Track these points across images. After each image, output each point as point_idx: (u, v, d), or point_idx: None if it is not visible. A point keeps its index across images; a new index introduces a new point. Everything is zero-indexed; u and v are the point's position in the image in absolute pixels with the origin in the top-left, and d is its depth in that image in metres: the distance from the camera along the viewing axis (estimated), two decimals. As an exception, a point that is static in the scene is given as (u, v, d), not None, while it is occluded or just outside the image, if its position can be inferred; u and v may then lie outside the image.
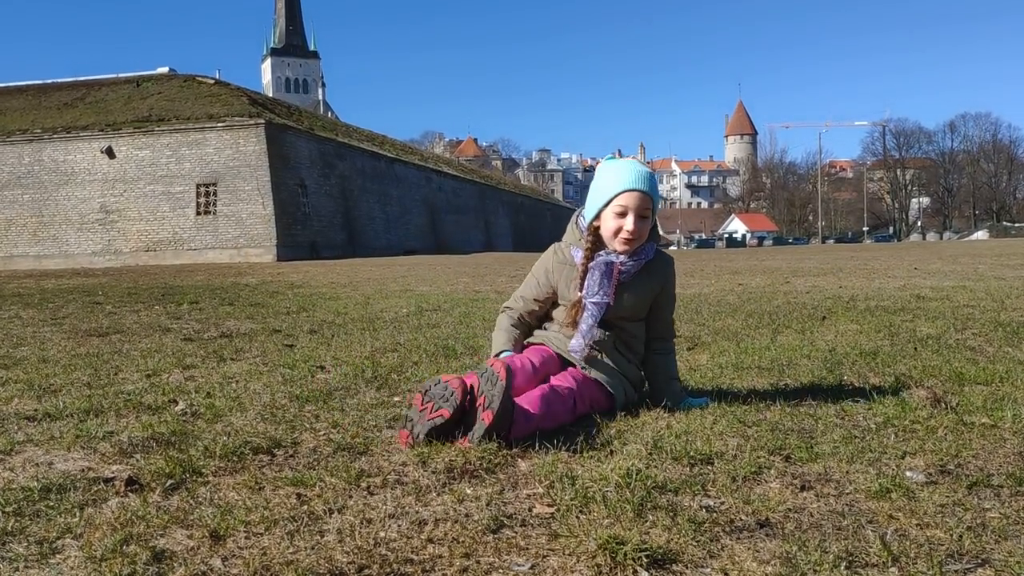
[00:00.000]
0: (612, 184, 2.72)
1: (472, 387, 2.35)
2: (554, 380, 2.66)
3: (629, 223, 2.69)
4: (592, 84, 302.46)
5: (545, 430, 2.42)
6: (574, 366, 2.77)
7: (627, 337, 2.85)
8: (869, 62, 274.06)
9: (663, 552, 1.55)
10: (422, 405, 2.35)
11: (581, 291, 2.76)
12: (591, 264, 2.74)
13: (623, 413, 2.68)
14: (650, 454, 2.20)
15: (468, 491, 1.94)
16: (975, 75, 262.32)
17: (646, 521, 1.72)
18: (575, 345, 2.75)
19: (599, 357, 2.78)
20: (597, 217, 2.76)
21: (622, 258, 2.75)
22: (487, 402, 2.29)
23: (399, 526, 1.72)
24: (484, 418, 2.28)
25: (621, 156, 2.92)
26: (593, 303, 2.73)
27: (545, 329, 2.92)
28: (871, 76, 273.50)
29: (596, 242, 2.77)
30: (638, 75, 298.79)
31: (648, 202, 2.71)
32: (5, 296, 10.73)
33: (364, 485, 2.01)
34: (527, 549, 1.60)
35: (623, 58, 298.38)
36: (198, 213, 34.36)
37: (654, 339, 2.89)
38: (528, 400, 2.47)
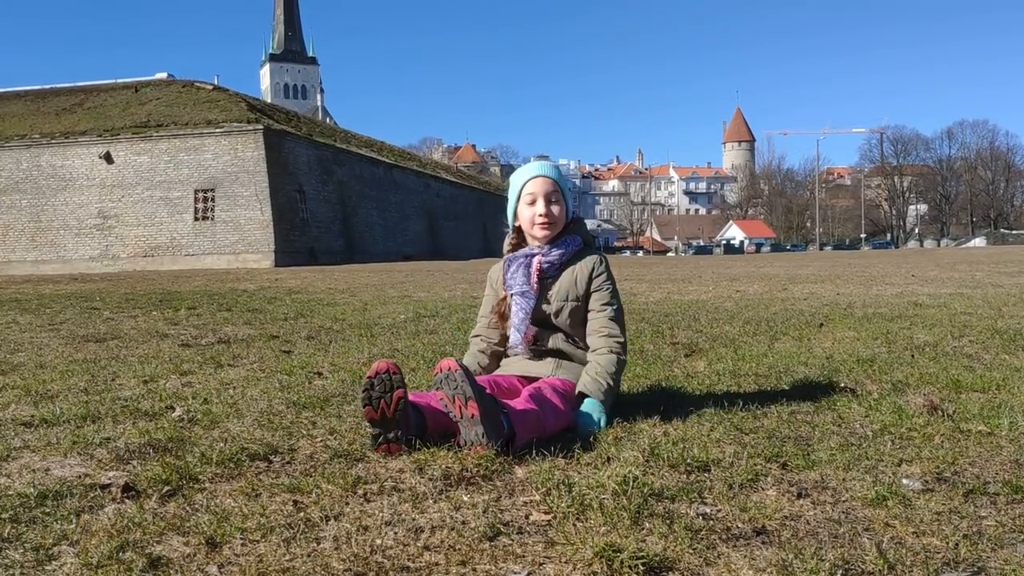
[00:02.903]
0: (519, 179, 2.91)
1: (443, 400, 2.35)
2: (535, 384, 2.67)
3: (540, 207, 2.84)
4: (591, 90, 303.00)
5: (548, 431, 2.43)
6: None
7: (574, 336, 2.87)
8: (867, 69, 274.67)
9: (659, 560, 1.55)
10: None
11: (504, 286, 2.90)
12: (510, 257, 2.90)
13: (619, 419, 2.68)
14: (647, 461, 2.20)
15: (465, 498, 1.94)
16: (973, 83, 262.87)
17: (643, 528, 1.72)
18: (514, 340, 2.86)
19: (545, 346, 2.84)
20: (516, 217, 2.93)
21: (544, 249, 2.86)
22: (463, 398, 2.28)
23: (395, 533, 1.72)
24: (471, 413, 2.27)
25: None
26: (517, 294, 2.84)
27: (507, 356, 2.97)
28: (869, 83, 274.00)
29: (519, 241, 2.96)
30: (636, 82, 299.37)
31: (553, 186, 2.86)
32: (2, 301, 10.72)
33: (361, 492, 2.01)
34: (524, 556, 1.60)
35: (622, 65, 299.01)
36: (196, 219, 34.37)
37: (593, 335, 2.84)
38: (517, 403, 2.46)
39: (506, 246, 2.99)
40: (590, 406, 2.64)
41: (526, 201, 2.86)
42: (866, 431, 2.51)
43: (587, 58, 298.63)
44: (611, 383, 2.71)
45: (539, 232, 2.86)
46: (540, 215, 2.83)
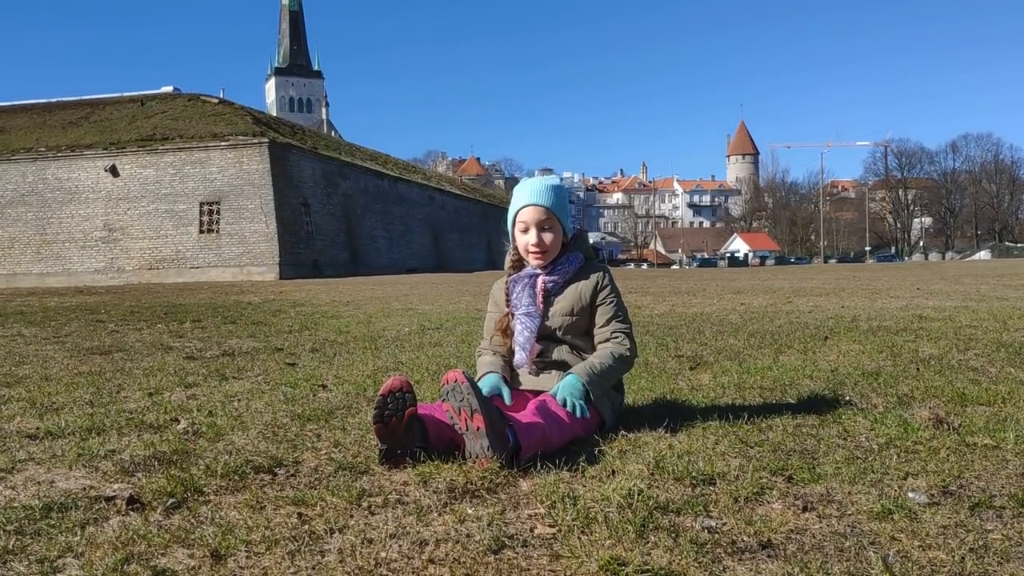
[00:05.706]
0: (514, 205, 2.89)
1: (448, 411, 2.36)
2: (541, 398, 2.67)
3: (531, 236, 2.84)
4: (595, 103, 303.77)
5: (554, 445, 2.42)
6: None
7: (580, 347, 2.89)
8: (871, 83, 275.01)
9: (665, 573, 1.55)
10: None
11: (508, 305, 2.90)
12: (513, 278, 2.90)
13: (624, 432, 2.68)
14: (652, 474, 2.20)
15: (469, 511, 1.94)
16: (977, 96, 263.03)
17: (647, 542, 1.71)
18: (519, 359, 2.86)
19: (550, 358, 2.85)
20: (514, 239, 2.94)
21: (546, 271, 2.87)
22: (469, 411, 2.29)
23: (400, 546, 1.72)
24: (477, 426, 2.28)
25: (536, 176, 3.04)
26: (523, 314, 2.84)
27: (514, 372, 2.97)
28: (873, 97, 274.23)
29: (520, 257, 2.95)
30: (640, 95, 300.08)
31: (546, 213, 2.83)
32: (8, 314, 10.75)
33: (365, 505, 2.01)
34: (528, 570, 1.60)
35: (626, 78, 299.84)
36: (201, 231, 34.48)
37: (602, 341, 2.86)
38: (523, 416, 2.46)
39: (507, 262, 3.00)
40: (568, 379, 2.67)
41: (519, 228, 2.88)
42: (871, 444, 2.50)
43: (591, 72, 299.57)
44: (602, 367, 2.73)
45: (532, 261, 2.88)
46: (532, 245, 2.84)
